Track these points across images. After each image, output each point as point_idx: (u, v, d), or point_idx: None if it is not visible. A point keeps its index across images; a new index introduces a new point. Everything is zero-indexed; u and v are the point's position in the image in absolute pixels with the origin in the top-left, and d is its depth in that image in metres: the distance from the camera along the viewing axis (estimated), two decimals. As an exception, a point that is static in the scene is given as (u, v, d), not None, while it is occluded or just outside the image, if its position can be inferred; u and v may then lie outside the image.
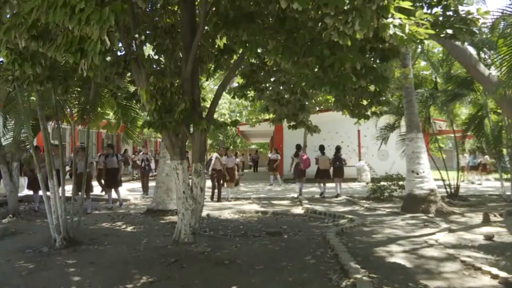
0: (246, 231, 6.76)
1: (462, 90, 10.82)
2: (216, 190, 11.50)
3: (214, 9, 5.27)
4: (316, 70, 4.63)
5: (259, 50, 5.53)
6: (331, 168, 12.26)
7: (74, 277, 4.32)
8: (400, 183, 10.97)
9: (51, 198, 5.73)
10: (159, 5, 6.22)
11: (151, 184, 12.04)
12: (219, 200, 11.24)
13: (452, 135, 12.98)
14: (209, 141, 26.38)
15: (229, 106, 23.23)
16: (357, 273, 4.10)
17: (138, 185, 17.39)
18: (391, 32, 3.24)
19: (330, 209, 9.25)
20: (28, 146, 8.33)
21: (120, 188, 10.45)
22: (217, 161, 11.47)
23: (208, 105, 6.21)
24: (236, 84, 8.95)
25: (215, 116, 7.16)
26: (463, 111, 18.68)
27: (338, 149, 12.55)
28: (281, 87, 7.46)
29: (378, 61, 5.16)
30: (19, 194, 9.27)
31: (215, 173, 11.44)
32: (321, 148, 12.50)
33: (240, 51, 5.86)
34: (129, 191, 13.87)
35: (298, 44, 4.49)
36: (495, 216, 7.82)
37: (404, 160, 9.94)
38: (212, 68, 6.88)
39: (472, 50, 9.94)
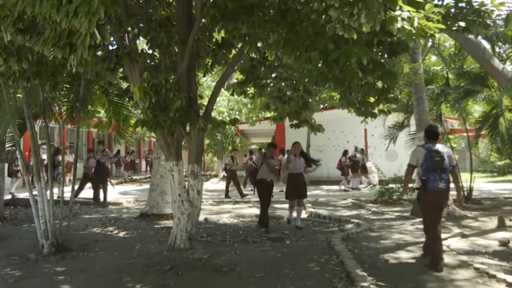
0: (246, 236, 6.76)
1: (475, 86, 10.80)
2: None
3: (211, 0, 5.28)
4: (319, 65, 4.63)
5: (259, 44, 5.55)
6: None
7: (63, 286, 4.33)
8: (410, 185, 10.94)
9: (38, 201, 5.73)
10: (153, -4, 6.23)
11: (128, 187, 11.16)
12: (264, 224, 7.29)
13: (465, 134, 12.96)
14: (206, 141, 26.34)
15: (228, 103, 23.19)
16: (364, 281, 4.10)
17: (130, 187, 17.46)
18: (398, 25, 3.24)
19: (335, 213, 9.25)
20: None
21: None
22: (264, 167, 7.46)
23: (205, 103, 6.22)
24: (235, 80, 8.96)
25: (213, 114, 7.16)
26: (477, 108, 18.69)
27: (282, 151, 15.09)
28: (283, 84, 7.47)
29: (386, 55, 5.17)
30: (5, 197, 9.27)
31: (263, 184, 7.47)
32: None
33: (239, 45, 5.86)
34: (121, 194, 13.89)
35: (301, 38, 4.49)
36: (510, 220, 7.80)
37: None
38: (209, 64, 6.88)
39: (486, 44, 9.94)
